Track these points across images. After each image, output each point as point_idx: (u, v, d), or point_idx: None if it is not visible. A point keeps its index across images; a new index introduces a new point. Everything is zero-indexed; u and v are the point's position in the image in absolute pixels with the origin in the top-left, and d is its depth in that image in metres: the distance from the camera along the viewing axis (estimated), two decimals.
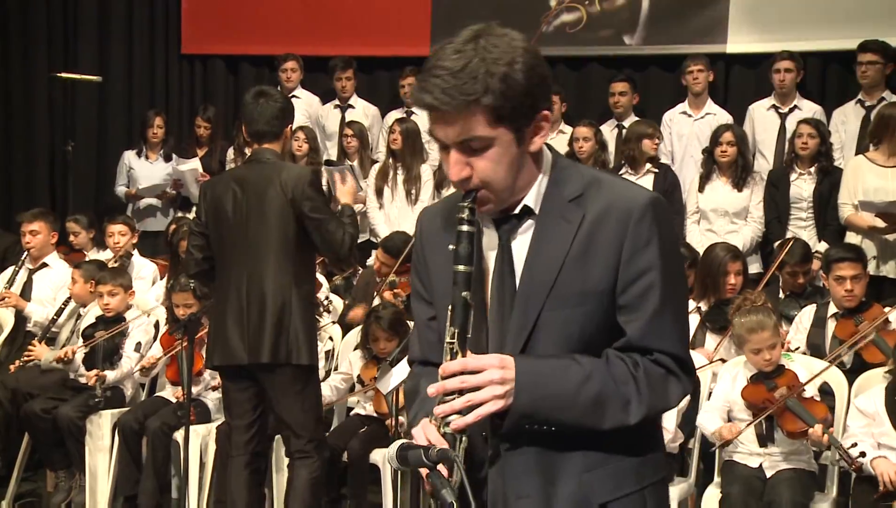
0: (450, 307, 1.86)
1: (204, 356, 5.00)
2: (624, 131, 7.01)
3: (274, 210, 4.05)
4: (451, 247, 1.87)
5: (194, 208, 7.39)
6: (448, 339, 1.85)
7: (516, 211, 1.93)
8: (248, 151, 7.32)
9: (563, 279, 1.88)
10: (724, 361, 4.59)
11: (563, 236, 1.89)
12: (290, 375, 4.09)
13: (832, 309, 4.77)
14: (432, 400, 1.90)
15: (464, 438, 1.84)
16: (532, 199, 1.93)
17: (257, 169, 4.14)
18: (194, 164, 7.55)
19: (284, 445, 4.29)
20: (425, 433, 1.86)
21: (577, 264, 1.88)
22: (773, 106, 6.80)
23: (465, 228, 1.86)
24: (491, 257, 1.96)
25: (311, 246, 4.17)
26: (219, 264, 4.19)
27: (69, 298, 5.80)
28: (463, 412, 1.82)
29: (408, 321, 4.88)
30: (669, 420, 4.10)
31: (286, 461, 4.32)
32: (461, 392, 1.83)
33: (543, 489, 1.92)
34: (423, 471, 1.85)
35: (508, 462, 1.93)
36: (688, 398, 4.27)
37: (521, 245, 1.94)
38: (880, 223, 5.59)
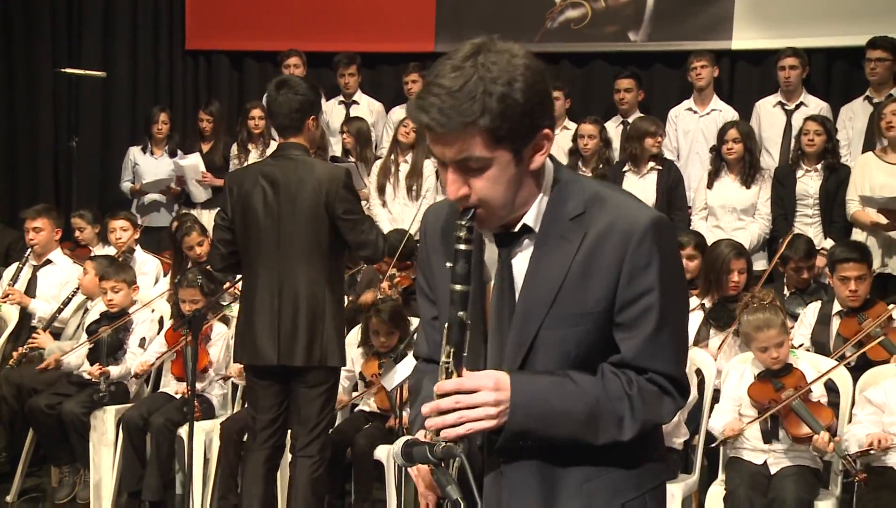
0: (446, 326, 1.84)
1: (209, 352, 5.02)
2: (628, 128, 7.01)
3: (307, 211, 4.03)
4: (448, 265, 1.85)
5: (199, 206, 7.51)
6: (444, 358, 1.83)
7: (516, 229, 1.91)
8: (251, 147, 7.45)
9: (562, 299, 1.87)
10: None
11: (562, 256, 1.88)
12: (320, 375, 4.12)
13: (836, 307, 4.76)
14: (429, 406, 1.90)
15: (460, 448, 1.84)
16: (532, 217, 1.90)
17: (288, 167, 4.08)
18: (195, 159, 7.55)
19: (291, 439, 4.29)
20: (420, 475, 1.90)
21: (576, 284, 1.87)
22: (780, 103, 6.78)
23: (462, 246, 1.83)
24: (493, 269, 1.95)
25: (341, 248, 4.16)
26: (246, 262, 4.16)
27: (76, 290, 5.80)
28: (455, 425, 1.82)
29: (407, 316, 4.87)
30: None
31: (289, 457, 4.32)
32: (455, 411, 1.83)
33: (546, 501, 1.92)
34: (412, 470, 1.86)
35: (508, 477, 1.93)
36: (695, 393, 4.30)
37: (521, 262, 1.92)
38: (883, 220, 5.58)
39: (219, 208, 4.37)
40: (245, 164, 7.40)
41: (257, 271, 4.10)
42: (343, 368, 5.01)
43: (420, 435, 1.90)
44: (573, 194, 1.91)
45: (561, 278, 1.87)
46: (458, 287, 1.83)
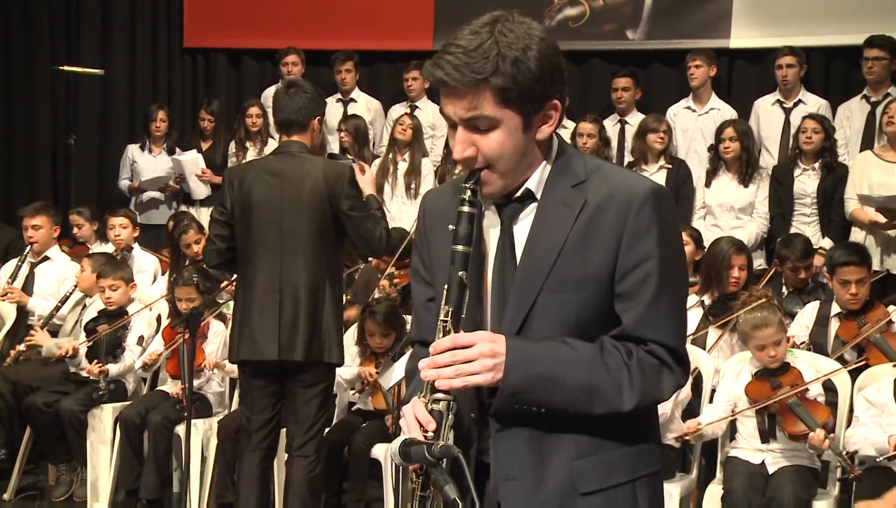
0: (445, 286, 1.87)
1: (205, 350, 5.01)
2: (626, 127, 7.02)
3: (311, 204, 4.01)
4: (450, 227, 1.88)
5: (198, 202, 7.50)
6: (442, 317, 1.86)
7: (518, 194, 1.94)
8: (248, 145, 7.45)
9: (562, 264, 1.89)
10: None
11: (563, 221, 1.91)
12: (318, 373, 4.08)
13: (835, 308, 4.74)
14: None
15: (450, 416, 1.85)
16: (534, 183, 1.94)
17: (293, 162, 4.07)
18: (194, 155, 7.54)
19: (287, 439, 4.26)
20: (413, 410, 1.87)
21: (576, 249, 1.89)
22: (778, 101, 6.77)
23: (465, 208, 1.88)
24: (493, 240, 1.97)
25: (341, 243, 4.14)
26: (245, 256, 4.11)
27: (74, 287, 5.79)
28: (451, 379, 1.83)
29: (403, 316, 4.87)
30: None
31: (286, 456, 4.30)
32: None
33: (533, 472, 1.91)
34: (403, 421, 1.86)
35: (500, 444, 1.93)
36: (689, 391, 4.31)
37: (522, 230, 1.95)
38: (881, 218, 5.58)
39: (216, 205, 4.35)
40: (243, 161, 7.43)
41: (257, 265, 4.05)
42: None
43: (414, 400, 1.90)
44: (576, 165, 1.96)
45: (561, 242, 1.90)
46: (459, 248, 1.87)
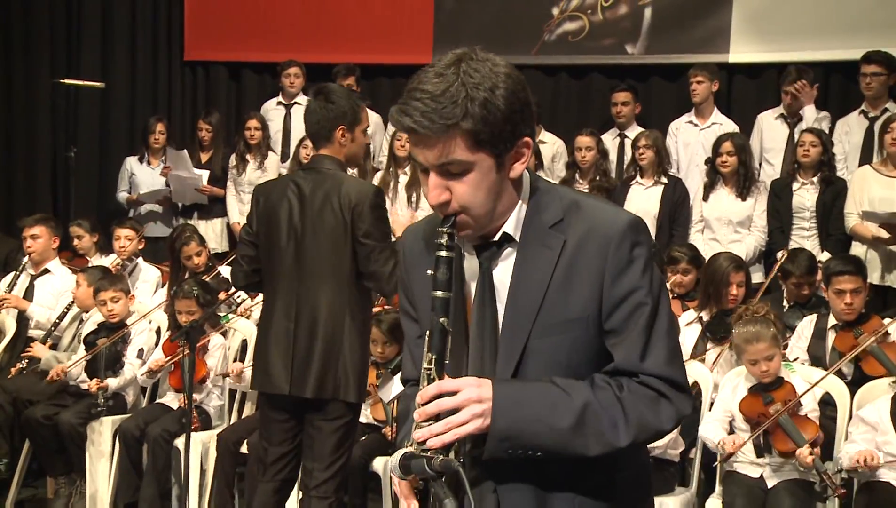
0: (427, 333, 1.85)
1: (207, 363, 5.02)
2: (626, 141, 7.04)
3: (331, 230, 3.75)
4: (429, 272, 1.86)
5: (196, 215, 7.51)
6: (425, 365, 1.84)
7: (496, 238, 1.92)
8: (248, 158, 7.47)
9: (548, 307, 1.88)
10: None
11: (545, 264, 1.89)
12: (334, 410, 3.82)
13: (832, 321, 4.76)
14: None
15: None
16: (512, 226, 1.91)
17: (316, 181, 3.79)
18: (196, 174, 7.52)
19: (303, 476, 4.00)
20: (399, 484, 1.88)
21: (560, 291, 1.88)
22: (781, 115, 6.79)
23: (443, 253, 1.84)
24: (473, 283, 1.95)
25: None
26: (267, 280, 3.89)
27: (72, 302, 5.80)
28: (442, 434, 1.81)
29: None
30: None
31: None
32: (439, 417, 1.81)
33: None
34: (396, 481, 1.86)
35: (503, 490, 1.92)
36: None
37: (502, 272, 1.92)
38: (884, 234, 5.59)
39: (244, 223, 4.11)
40: (243, 174, 7.45)
41: (276, 290, 3.84)
42: None
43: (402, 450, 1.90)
44: (551, 202, 1.93)
45: (544, 286, 1.88)
46: (439, 293, 1.84)
